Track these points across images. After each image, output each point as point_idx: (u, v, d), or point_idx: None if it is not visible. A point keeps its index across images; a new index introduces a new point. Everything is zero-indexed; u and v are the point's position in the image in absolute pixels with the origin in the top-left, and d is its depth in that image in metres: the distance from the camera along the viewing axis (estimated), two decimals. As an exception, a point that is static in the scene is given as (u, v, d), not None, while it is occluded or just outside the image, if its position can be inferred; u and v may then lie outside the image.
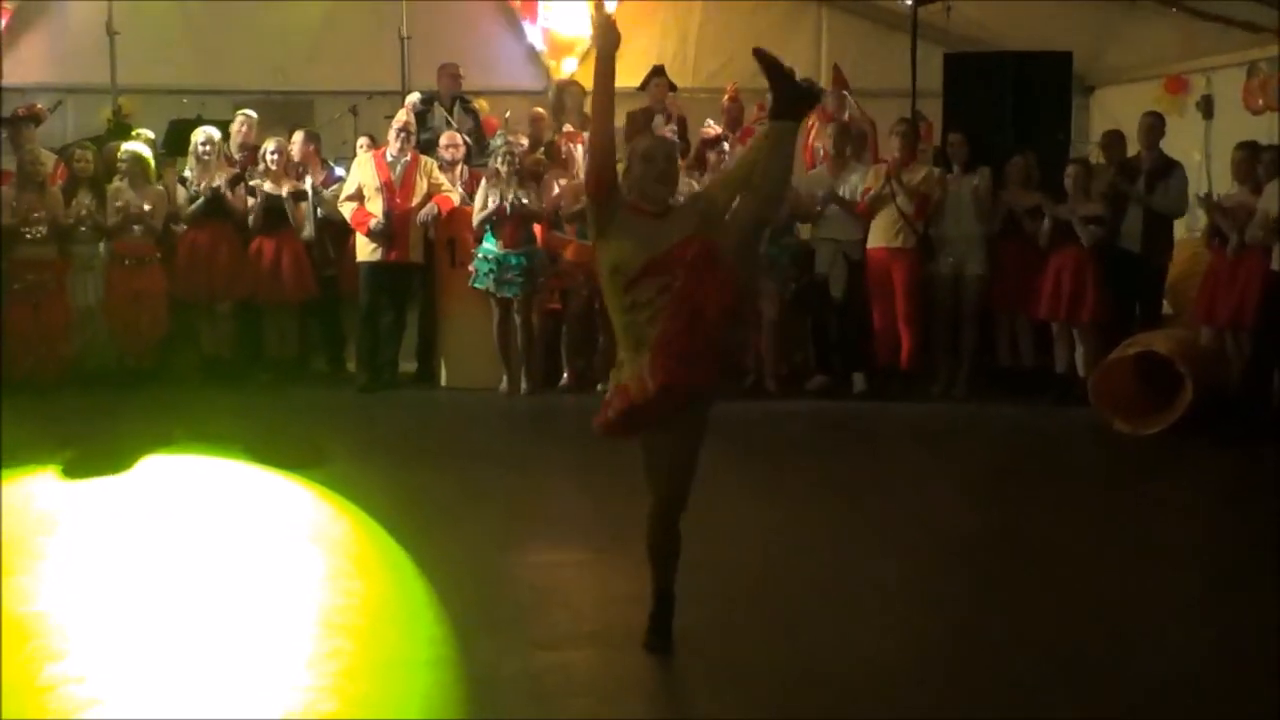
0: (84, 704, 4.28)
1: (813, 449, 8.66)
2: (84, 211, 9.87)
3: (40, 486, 7.20)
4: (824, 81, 12.74)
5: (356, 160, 10.45)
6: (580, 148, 10.18)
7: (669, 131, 10.46)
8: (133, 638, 4.90)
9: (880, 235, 9.94)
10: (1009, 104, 10.62)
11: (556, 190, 10.21)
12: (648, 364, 4.53)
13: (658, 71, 11.64)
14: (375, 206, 10.00)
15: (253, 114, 10.80)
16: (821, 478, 7.76)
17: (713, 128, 10.63)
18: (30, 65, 12.49)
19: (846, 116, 10.76)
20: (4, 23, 12.97)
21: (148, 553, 6.02)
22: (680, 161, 10.05)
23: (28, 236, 9.66)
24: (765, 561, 6.05)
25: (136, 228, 9.91)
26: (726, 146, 10.25)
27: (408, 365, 10.61)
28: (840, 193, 10.10)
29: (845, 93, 11.26)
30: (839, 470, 7.99)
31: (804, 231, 10.38)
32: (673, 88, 11.65)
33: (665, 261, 4.55)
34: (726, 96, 11.32)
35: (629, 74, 12.28)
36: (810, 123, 10.78)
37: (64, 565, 5.84)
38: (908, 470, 8.09)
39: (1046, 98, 10.76)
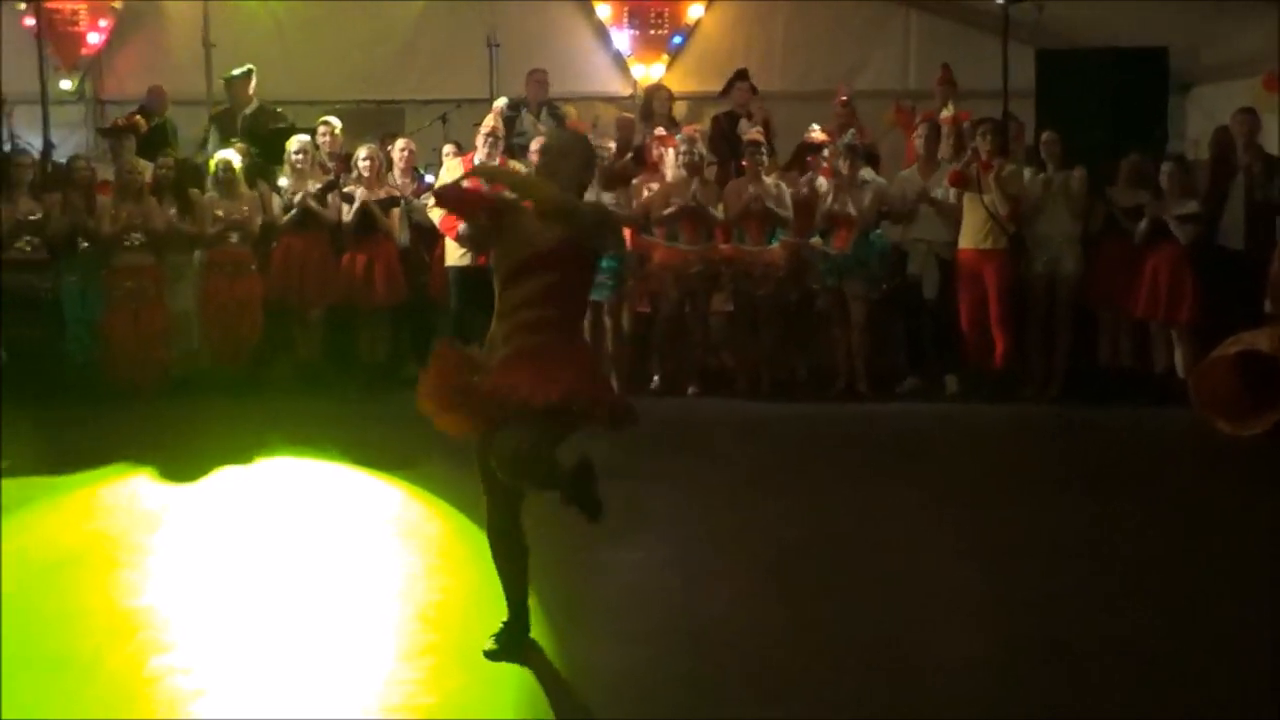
0: (189, 695, 4.36)
1: (905, 451, 8.58)
2: (172, 219, 10.06)
3: (142, 487, 7.34)
4: (912, 82, 12.71)
5: (445, 166, 10.54)
6: (671, 151, 10.20)
7: (755, 134, 10.43)
8: (235, 632, 4.97)
9: (971, 236, 9.84)
10: (1104, 102, 10.48)
11: (646, 194, 10.24)
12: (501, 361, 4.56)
13: (740, 75, 11.65)
14: (464, 212, 10.05)
15: (335, 121, 10.92)
16: (913, 480, 7.68)
17: (817, 132, 10.61)
18: (129, 78, 12.75)
19: (945, 117, 10.61)
20: (104, 37, 13.30)
21: (248, 550, 6.11)
22: (765, 162, 10.11)
23: (126, 245, 9.87)
24: (853, 561, 6.00)
25: (233, 235, 10.08)
26: (827, 152, 10.23)
27: (497, 369, 10.65)
28: (932, 193, 10.02)
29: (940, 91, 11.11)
30: (930, 473, 7.90)
31: (895, 233, 10.30)
32: (755, 90, 11.63)
33: (547, 259, 4.55)
34: (838, 100, 11.26)
35: (715, 78, 12.31)
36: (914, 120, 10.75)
37: (168, 562, 5.95)
38: (1000, 473, 7.98)
39: (1142, 95, 10.59)
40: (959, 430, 9.16)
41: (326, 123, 10.86)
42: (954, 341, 9.99)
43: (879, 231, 10.21)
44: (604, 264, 9.75)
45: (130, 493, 7.20)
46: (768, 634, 5.04)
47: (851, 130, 10.53)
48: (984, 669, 4.72)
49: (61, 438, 8.63)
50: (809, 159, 10.53)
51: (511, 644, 4.74)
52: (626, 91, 13.30)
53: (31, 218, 9.85)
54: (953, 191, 9.88)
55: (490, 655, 4.68)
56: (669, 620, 5.21)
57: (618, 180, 10.12)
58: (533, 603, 5.12)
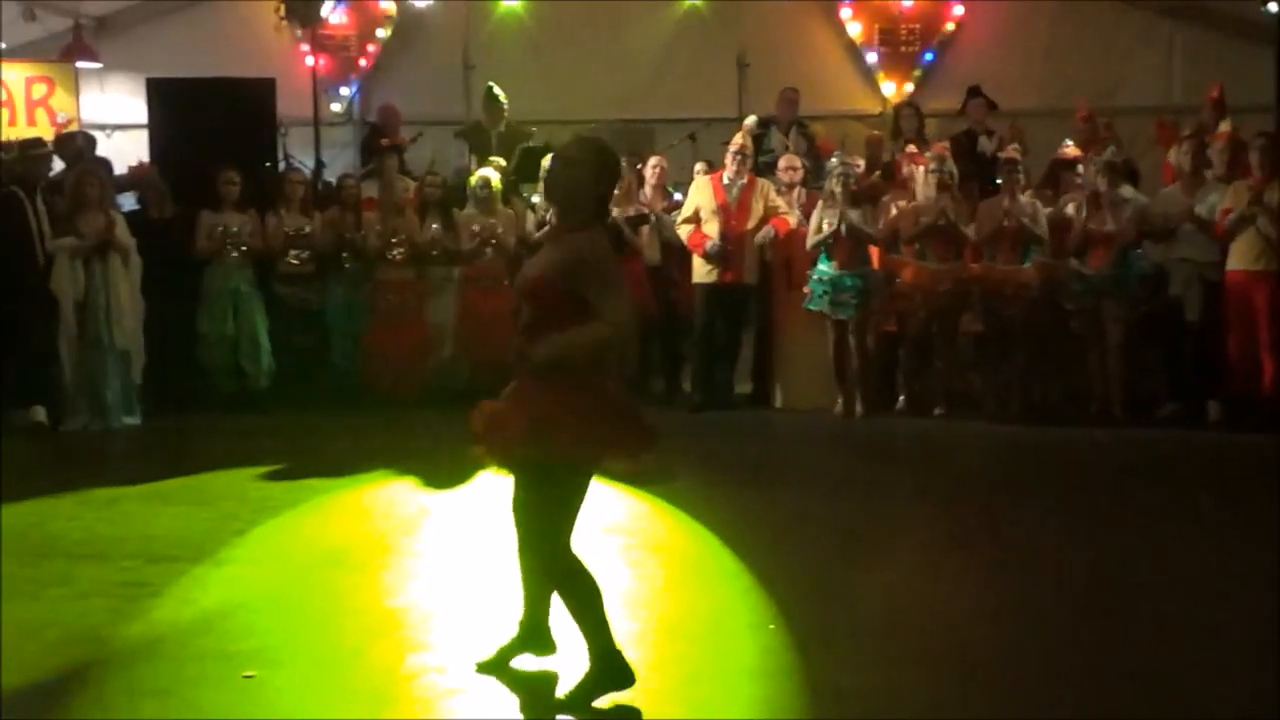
0: (445, 693, 4.49)
1: (1162, 479, 8.26)
2: (435, 235, 10.43)
3: (401, 492, 7.62)
4: (1176, 96, 12.26)
5: (694, 183, 10.65)
6: (920, 168, 10.08)
7: (1012, 152, 10.23)
8: (489, 634, 5.10)
9: (1241, 257, 9.40)
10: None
11: (894, 212, 10.14)
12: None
13: (973, 92, 11.47)
14: (711, 229, 10.15)
15: None
16: (1171, 509, 7.37)
17: (1071, 149, 10.36)
18: (394, 100, 13.28)
19: (1221, 132, 10.15)
20: (371, 62, 13.93)
21: (501, 555, 6.26)
22: (1021, 180, 9.86)
23: (389, 259, 10.29)
24: (1109, 588, 5.80)
25: (489, 251, 10.39)
26: (1081, 169, 9.98)
27: (743, 386, 10.71)
28: (1197, 211, 9.63)
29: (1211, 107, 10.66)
30: (1187, 502, 7.56)
31: (1156, 253, 9.93)
32: (993, 106, 11.42)
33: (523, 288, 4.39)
34: (1078, 115, 10.98)
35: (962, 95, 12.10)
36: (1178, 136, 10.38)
37: (426, 564, 6.16)
38: (1264, 507, 7.58)
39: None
40: (1221, 459, 8.77)
41: None
42: (1218, 366, 9.55)
43: (1139, 251, 9.86)
44: (848, 282, 9.81)
45: (390, 497, 7.49)
46: (1022, 658, 4.91)
47: (1111, 146, 10.22)
48: (1266, 704, 4.49)
49: (326, 444, 9.05)
50: (1062, 176, 10.27)
51: (504, 659, 4.63)
52: (876, 109, 13.23)
53: (301, 232, 10.37)
54: (1219, 210, 9.47)
55: (481, 668, 4.59)
56: (920, 643, 5.14)
57: (864, 198, 10.06)
58: (780, 622, 5.14)
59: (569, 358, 4.27)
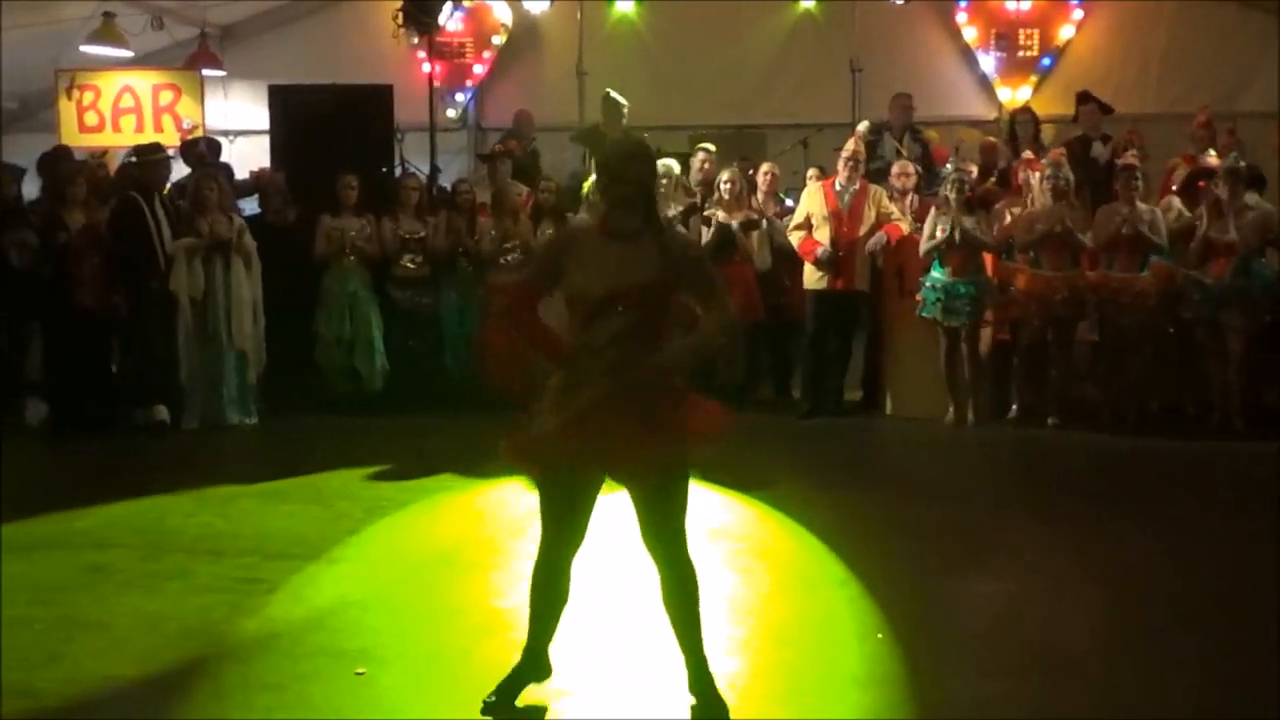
0: (552, 694, 4.54)
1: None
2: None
3: (511, 494, 7.67)
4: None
5: (806, 190, 10.61)
6: (1036, 175, 9.94)
7: (1130, 158, 10.05)
8: (597, 637, 5.14)
9: (1371, 266, 9.17)
10: None
11: (1008, 219, 10.01)
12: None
13: (1083, 98, 11.28)
14: (823, 235, 10.11)
15: (712, 148, 11.13)
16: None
17: (1213, 157, 10.17)
18: (508, 106, 13.43)
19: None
20: (487, 68, 14.10)
21: (610, 560, 6.30)
22: (1139, 186, 9.68)
23: (502, 263, 10.39)
24: (1221, 603, 5.67)
25: (600, 255, 10.43)
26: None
27: (853, 393, 10.65)
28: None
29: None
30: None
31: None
32: (1107, 110, 11.22)
33: (628, 294, 4.14)
34: (1197, 121, 10.77)
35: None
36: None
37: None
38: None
39: None
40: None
41: (705, 149, 11.05)
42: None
43: (1263, 260, 9.63)
44: (961, 289, 9.71)
45: (500, 499, 7.55)
46: (1129, 669, 4.83)
47: (1234, 152, 10.01)
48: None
49: (438, 445, 9.16)
50: (1200, 185, 10.07)
51: (509, 694, 4.45)
52: (991, 115, 13.07)
53: (416, 236, 10.52)
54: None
55: (487, 709, 4.37)
56: (1025, 654, 5.08)
57: (979, 204, 9.94)
58: (887, 631, 5.11)
59: (697, 359, 4.25)
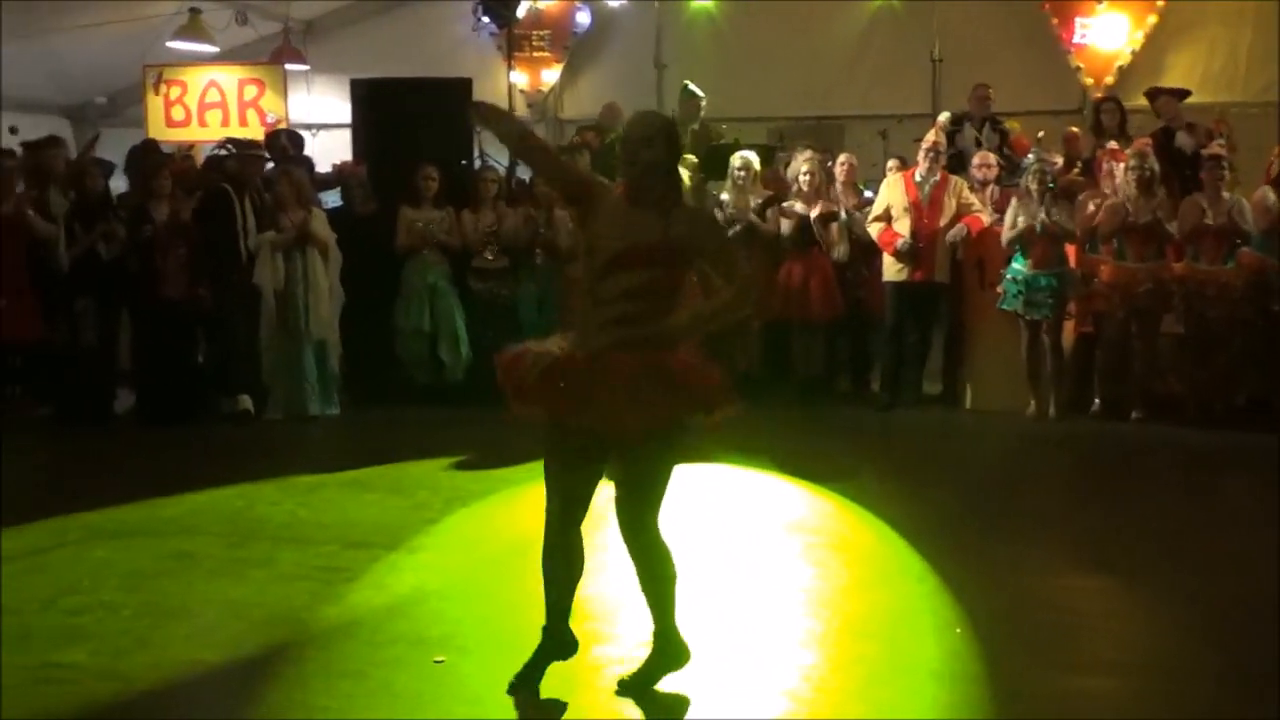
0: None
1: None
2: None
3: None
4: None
5: (886, 181, 10.55)
6: (1121, 165, 9.81)
7: (1217, 148, 9.88)
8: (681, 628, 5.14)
9: None
10: None
11: (1091, 209, 9.88)
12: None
13: (1153, 95, 11.11)
14: (902, 226, 10.04)
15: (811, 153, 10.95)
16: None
17: None
18: (586, 99, 13.49)
19: None
20: (564, 61, 14.15)
21: (686, 553, 6.30)
22: (1226, 177, 9.50)
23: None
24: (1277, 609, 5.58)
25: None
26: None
27: (932, 386, 10.57)
28: None
29: None
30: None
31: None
32: (1182, 96, 11.02)
33: (636, 251, 4.23)
34: None
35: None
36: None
37: (611, 557, 6.22)
38: None
39: None
40: None
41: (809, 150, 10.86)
42: None
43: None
44: (1043, 281, 9.60)
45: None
46: (1211, 668, 4.76)
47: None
48: None
49: (517, 436, 9.15)
50: None
51: (532, 676, 4.49)
52: (1074, 105, 12.89)
53: (494, 229, 10.59)
54: None
55: (511, 690, 4.45)
56: (1106, 651, 5.03)
57: (1061, 195, 9.82)
58: (966, 625, 5.07)
59: (709, 325, 4.33)
